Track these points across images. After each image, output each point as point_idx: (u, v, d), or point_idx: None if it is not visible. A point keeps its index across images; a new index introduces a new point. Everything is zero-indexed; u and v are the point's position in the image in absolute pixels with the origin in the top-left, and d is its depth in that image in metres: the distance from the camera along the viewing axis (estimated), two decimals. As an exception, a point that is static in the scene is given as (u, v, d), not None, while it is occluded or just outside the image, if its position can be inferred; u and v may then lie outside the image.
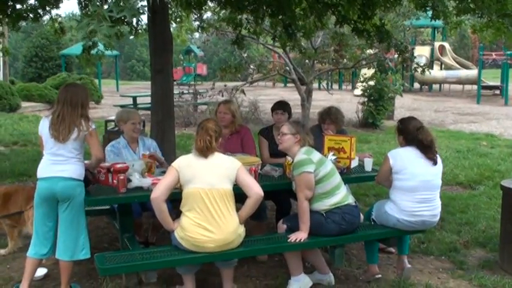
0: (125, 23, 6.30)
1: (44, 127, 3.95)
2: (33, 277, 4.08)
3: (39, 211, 3.98)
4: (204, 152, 3.77)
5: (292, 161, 4.17)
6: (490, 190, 7.39)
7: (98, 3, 2.99)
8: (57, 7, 7.32)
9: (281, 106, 5.47)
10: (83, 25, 2.94)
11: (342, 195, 4.14)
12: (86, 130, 3.91)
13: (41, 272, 4.39)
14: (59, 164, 3.89)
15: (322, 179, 4.05)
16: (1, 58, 25.59)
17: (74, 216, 3.93)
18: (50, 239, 4.01)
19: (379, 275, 4.44)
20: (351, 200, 4.21)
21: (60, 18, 7.73)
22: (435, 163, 4.25)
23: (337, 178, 4.16)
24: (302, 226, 4.05)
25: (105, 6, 2.99)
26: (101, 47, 6.61)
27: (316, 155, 4.10)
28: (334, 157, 4.52)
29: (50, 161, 3.91)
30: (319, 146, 4.59)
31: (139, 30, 7.85)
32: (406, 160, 4.23)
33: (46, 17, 7.53)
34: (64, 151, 3.89)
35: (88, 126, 3.92)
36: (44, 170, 3.92)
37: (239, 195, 3.83)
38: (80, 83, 4.33)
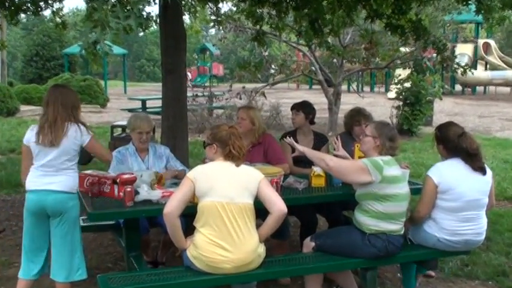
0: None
1: (32, 135, 3.96)
2: None
3: (27, 227, 4.00)
4: (239, 160, 3.77)
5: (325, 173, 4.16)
6: (543, 206, 7.26)
7: (103, 8, 3.00)
8: (60, 0, 7.37)
9: (294, 106, 5.48)
10: (84, 33, 2.97)
11: (400, 226, 4.09)
12: (83, 136, 3.94)
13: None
14: (50, 176, 3.91)
15: (388, 198, 3.95)
16: (-1, 57, 25.98)
17: (67, 232, 3.94)
18: (40, 258, 4.01)
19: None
20: (402, 230, 4.15)
21: (62, 12, 7.77)
22: (484, 173, 4.16)
23: (405, 205, 4.08)
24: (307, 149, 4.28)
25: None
26: (107, 41, 6.64)
27: (391, 170, 3.97)
28: (406, 170, 4.44)
29: (40, 171, 3.93)
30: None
31: (150, 25, 7.87)
32: (451, 179, 4.12)
33: (48, 12, 7.61)
34: (56, 161, 3.91)
35: (86, 131, 3.97)
36: (33, 181, 3.94)
37: (259, 210, 3.80)
38: (68, 85, 4.41)
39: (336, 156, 4.51)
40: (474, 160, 4.13)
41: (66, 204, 3.89)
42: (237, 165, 3.77)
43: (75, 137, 3.94)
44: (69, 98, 4.01)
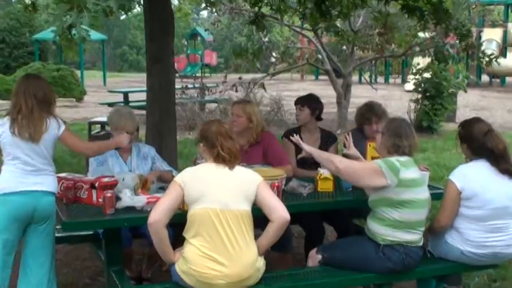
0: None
1: (3, 129, 3.95)
2: None
3: (2, 237, 3.94)
4: (230, 163, 3.78)
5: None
6: None
7: None
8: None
9: (298, 100, 5.49)
10: (58, 16, 2.97)
11: (419, 237, 4.09)
12: (60, 127, 3.97)
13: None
14: (34, 175, 3.91)
15: (406, 204, 3.96)
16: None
17: (46, 241, 3.95)
18: (7, 274, 3.98)
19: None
20: (421, 241, 4.15)
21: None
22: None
23: (425, 212, 4.08)
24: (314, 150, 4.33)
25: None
26: (84, 25, 6.61)
27: (409, 173, 3.98)
28: (426, 173, 4.46)
29: (21, 170, 3.91)
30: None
31: (133, 7, 7.88)
32: (476, 184, 4.12)
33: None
34: (36, 160, 3.92)
35: (60, 123, 3.99)
36: (17, 182, 3.90)
37: (258, 219, 3.81)
38: (41, 75, 4.40)
39: (346, 156, 4.53)
40: (501, 162, 4.14)
41: (54, 208, 3.92)
42: (230, 169, 3.78)
43: (54, 130, 3.96)
44: (42, 89, 4.01)
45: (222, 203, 3.64)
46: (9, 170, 3.95)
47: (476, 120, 4.39)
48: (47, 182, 3.94)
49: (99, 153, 4.48)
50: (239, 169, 3.84)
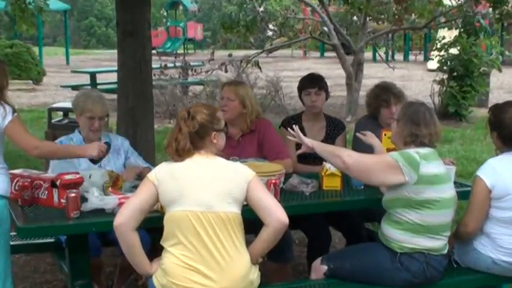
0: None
1: None
2: None
3: None
4: (177, 155, 3.78)
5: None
6: None
7: None
8: None
9: (314, 82, 5.48)
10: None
11: (443, 243, 4.12)
12: (7, 116, 3.93)
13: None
14: None
15: (427, 205, 3.97)
16: None
17: (3, 252, 3.97)
18: None
19: None
20: (446, 248, 4.18)
21: None
22: None
23: (450, 214, 4.10)
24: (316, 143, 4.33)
25: None
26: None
27: (431, 167, 3.99)
28: (452, 168, 4.48)
29: None
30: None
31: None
32: (509, 180, 4.15)
33: None
34: None
35: (11, 110, 3.95)
36: None
37: (251, 223, 3.83)
38: None
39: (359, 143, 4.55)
40: None
41: (4, 213, 3.92)
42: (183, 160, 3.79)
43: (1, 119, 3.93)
44: None
45: (204, 205, 3.64)
46: None
47: (510, 103, 4.37)
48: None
49: (50, 157, 4.44)
50: (226, 163, 3.86)
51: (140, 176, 4.74)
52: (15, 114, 4.00)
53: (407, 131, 4.05)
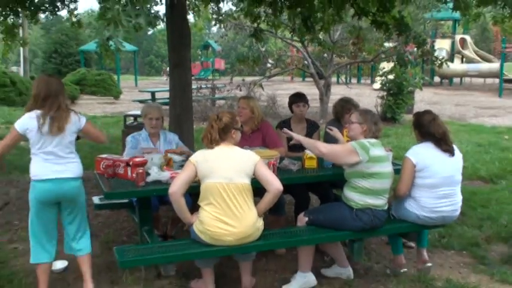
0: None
1: (32, 123, 3.65)
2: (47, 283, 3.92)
3: (40, 216, 3.79)
4: (210, 144, 3.79)
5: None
6: (513, 184, 7.29)
7: (116, 7, 3.01)
8: (75, 0, 7.41)
9: (302, 97, 5.48)
10: (99, 31, 2.99)
11: (384, 202, 4.11)
12: (80, 120, 3.84)
13: (62, 264, 4.42)
14: (60, 164, 3.73)
15: (374, 176, 3.97)
16: (21, 54, 25.86)
17: (78, 215, 3.95)
18: (53, 245, 3.92)
19: (405, 269, 4.44)
20: (386, 205, 4.17)
21: (77, 11, 7.82)
22: (452, 154, 4.20)
23: (389, 182, 4.10)
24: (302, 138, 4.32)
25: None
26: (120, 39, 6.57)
27: (377, 151, 3.99)
28: (390, 153, 4.47)
29: (48, 160, 3.70)
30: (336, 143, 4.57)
31: (158, 24, 7.86)
32: (426, 158, 4.16)
33: (64, 12, 7.64)
34: (62, 148, 3.73)
35: (79, 117, 3.86)
36: (47, 170, 3.70)
37: (257, 189, 3.83)
38: (54, 75, 4.18)
39: (328, 137, 4.56)
40: (441, 143, 4.20)
41: (79, 190, 3.87)
42: (213, 148, 3.78)
43: (75, 122, 3.80)
44: (61, 87, 3.83)
45: (227, 178, 3.66)
46: (39, 158, 3.72)
47: (426, 111, 4.42)
48: (74, 169, 3.80)
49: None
50: (240, 151, 3.86)
51: (184, 154, 4.71)
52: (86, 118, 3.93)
53: (369, 127, 4.08)
